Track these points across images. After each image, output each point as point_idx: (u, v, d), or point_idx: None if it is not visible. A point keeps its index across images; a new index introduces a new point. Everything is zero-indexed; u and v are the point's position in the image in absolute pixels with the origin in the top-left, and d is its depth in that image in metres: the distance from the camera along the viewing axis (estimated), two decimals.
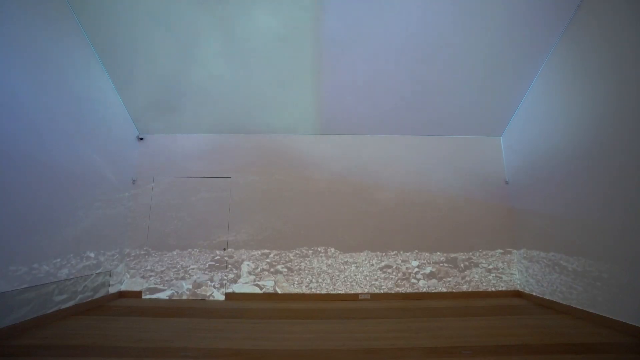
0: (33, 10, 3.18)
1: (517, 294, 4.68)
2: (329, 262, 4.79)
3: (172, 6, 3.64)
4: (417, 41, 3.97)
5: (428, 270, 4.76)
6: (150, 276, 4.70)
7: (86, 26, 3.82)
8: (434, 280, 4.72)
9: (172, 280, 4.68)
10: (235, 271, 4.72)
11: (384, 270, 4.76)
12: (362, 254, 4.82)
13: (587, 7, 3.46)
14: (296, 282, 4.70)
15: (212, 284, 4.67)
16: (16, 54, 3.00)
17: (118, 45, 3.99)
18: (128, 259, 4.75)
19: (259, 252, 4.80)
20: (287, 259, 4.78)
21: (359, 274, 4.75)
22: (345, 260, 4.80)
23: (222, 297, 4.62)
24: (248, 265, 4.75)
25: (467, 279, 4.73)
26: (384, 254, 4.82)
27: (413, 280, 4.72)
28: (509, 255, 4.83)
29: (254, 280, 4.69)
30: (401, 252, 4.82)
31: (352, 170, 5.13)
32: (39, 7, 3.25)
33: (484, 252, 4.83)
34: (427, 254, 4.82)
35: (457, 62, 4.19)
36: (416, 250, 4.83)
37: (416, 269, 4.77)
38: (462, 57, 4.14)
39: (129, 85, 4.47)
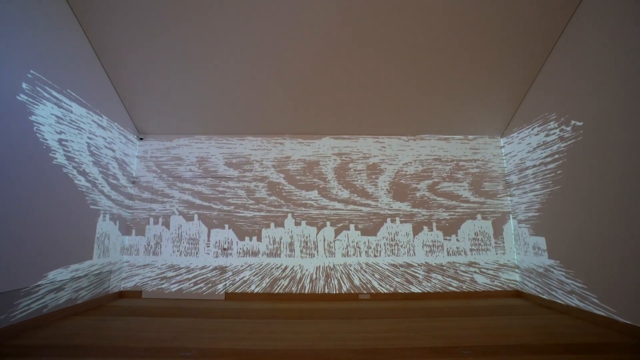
0: (33, 10, 3.19)
1: (517, 294, 4.67)
2: (330, 261, 4.78)
3: (172, 6, 3.63)
4: (417, 41, 3.98)
5: (429, 270, 4.76)
6: (150, 276, 4.70)
7: (86, 26, 3.82)
8: (434, 280, 4.72)
9: (172, 279, 4.68)
10: (235, 271, 4.72)
11: (385, 269, 4.76)
12: (362, 253, 4.82)
13: (586, 7, 3.47)
14: (296, 282, 4.70)
15: (213, 283, 4.67)
16: (15, 53, 3.00)
17: (118, 45, 3.99)
18: (128, 259, 4.75)
19: (260, 252, 4.80)
20: (287, 259, 4.78)
21: (360, 273, 4.75)
22: (346, 260, 4.80)
23: (222, 297, 4.62)
24: (249, 264, 4.75)
25: (467, 278, 4.73)
26: (384, 254, 4.82)
27: (413, 280, 4.72)
28: (509, 255, 4.83)
29: (255, 280, 4.69)
30: (401, 253, 4.82)
31: (352, 170, 5.14)
32: (39, 7, 3.25)
33: (485, 252, 4.83)
34: (428, 254, 4.82)
35: (457, 62, 4.19)
36: (417, 251, 4.83)
37: (417, 269, 4.76)
38: (462, 57, 4.14)
39: (129, 85, 4.47)
